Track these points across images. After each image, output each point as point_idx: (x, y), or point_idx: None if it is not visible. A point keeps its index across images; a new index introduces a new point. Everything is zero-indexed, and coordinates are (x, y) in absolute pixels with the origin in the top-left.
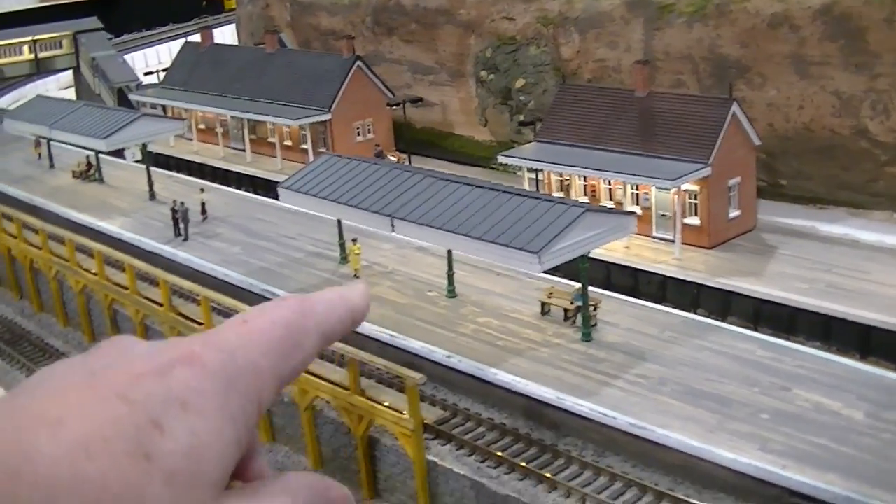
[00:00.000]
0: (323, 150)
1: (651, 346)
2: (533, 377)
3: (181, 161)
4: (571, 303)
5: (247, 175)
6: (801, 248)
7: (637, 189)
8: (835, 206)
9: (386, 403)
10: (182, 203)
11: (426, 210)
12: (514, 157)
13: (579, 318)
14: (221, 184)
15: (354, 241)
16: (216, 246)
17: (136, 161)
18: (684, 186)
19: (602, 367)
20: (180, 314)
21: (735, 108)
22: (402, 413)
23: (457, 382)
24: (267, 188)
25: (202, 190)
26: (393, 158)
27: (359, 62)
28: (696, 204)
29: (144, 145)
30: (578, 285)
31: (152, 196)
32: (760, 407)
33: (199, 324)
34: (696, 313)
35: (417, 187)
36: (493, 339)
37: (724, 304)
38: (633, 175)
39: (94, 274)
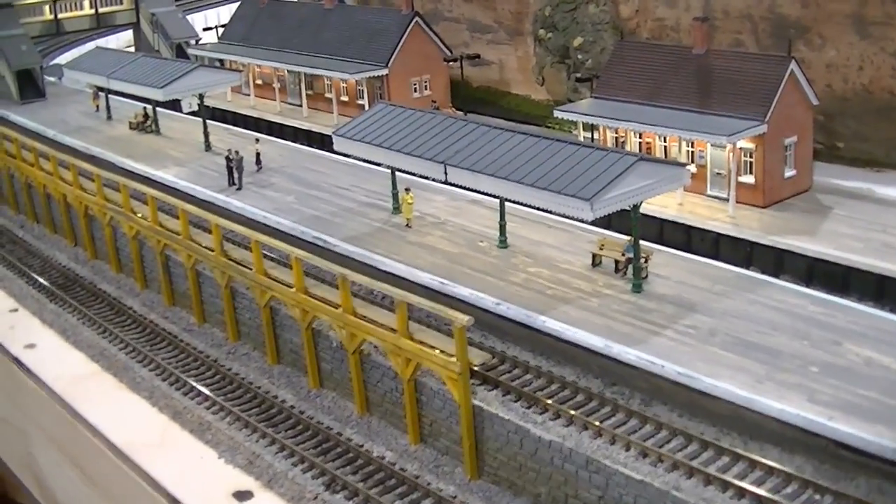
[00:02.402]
0: None
1: (702, 298)
2: (581, 325)
3: (237, 115)
4: (623, 254)
5: (302, 129)
6: (857, 210)
7: (692, 146)
8: (892, 169)
9: (433, 346)
10: (237, 152)
11: (479, 157)
12: (570, 111)
13: (630, 270)
14: (278, 138)
15: (407, 190)
16: (269, 195)
17: (192, 112)
18: (740, 144)
19: (651, 318)
20: (232, 259)
21: (793, 66)
22: (449, 356)
23: (505, 329)
24: (322, 142)
25: (257, 140)
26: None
27: (417, 18)
28: (751, 162)
29: (201, 96)
30: (630, 237)
31: (208, 147)
32: (810, 359)
33: (250, 268)
34: (748, 270)
35: (471, 136)
36: (542, 289)
37: (777, 262)
38: (688, 130)
39: (148, 220)
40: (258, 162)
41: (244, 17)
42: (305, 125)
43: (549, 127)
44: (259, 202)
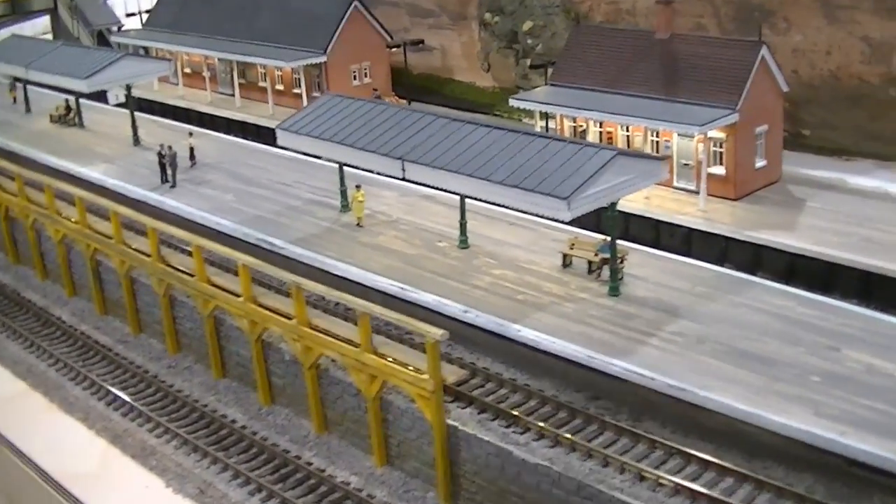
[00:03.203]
0: (317, 94)
1: (684, 301)
2: (559, 334)
3: (166, 106)
4: (596, 254)
5: (236, 121)
6: (832, 201)
7: (657, 136)
8: (861, 158)
9: (402, 363)
10: (170, 147)
11: (440, 153)
12: (526, 100)
13: (605, 272)
14: (209, 130)
15: (358, 187)
16: (207, 193)
17: (119, 104)
18: (710, 134)
19: (633, 324)
20: (170, 265)
21: (764, 51)
22: (420, 373)
23: (475, 339)
24: (258, 134)
25: (191, 134)
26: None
27: (356, 2)
28: (721, 152)
29: (128, 87)
30: (601, 237)
31: (137, 141)
32: (808, 368)
33: (191, 275)
34: (723, 267)
35: (429, 129)
36: (511, 293)
37: (753, 259)
38: (658, 120)
39: (76, 222)
40: (192, 157)
41: (171, 2)
42: (239, 116)
43: (497, 115)
44: (195, 201)
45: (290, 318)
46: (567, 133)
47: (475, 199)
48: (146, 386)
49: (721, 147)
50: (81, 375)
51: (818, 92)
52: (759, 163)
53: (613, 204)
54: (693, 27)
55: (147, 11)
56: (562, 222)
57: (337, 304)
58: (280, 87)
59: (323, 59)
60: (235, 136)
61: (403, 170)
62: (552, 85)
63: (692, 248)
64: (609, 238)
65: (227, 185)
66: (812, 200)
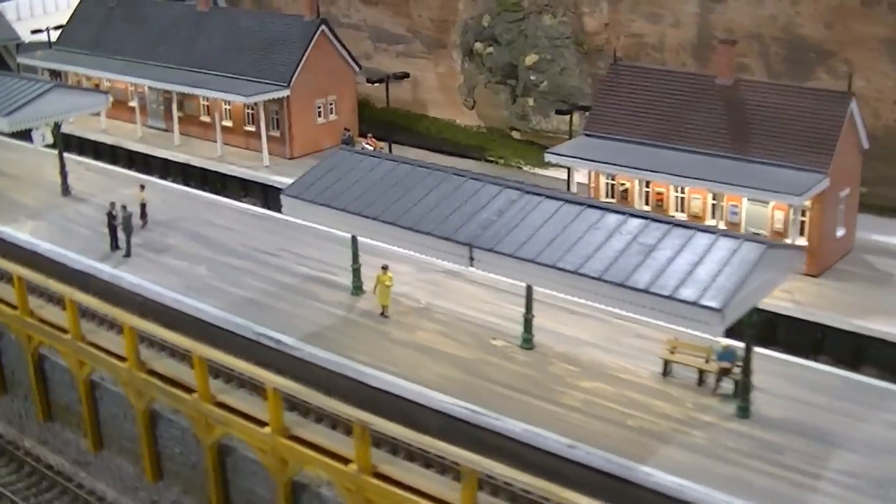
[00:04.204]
0: (275, 133)
1: (829, 422)
2: (706, 479)
3: (85, 142)
4: (707, 360)
5: (177, 162)
6: None
7: (722, 201)
8: None
9: None
10: (124, 207)
11: (522, 237)
12: (567, 155)
13: (723, 384)
14: (140, 172)
15: (385, 268)
16: (172, 264)
17: (47, 146)
18: (788, 200)
19: (788, 461)
20: (152, 372)
21: (853, 105)
22: None
23: (582, 482)
24: (204, 180)
25: (142, 187)
26: (368, 146)
27: (324, 26)
28: (803, 221)
29: (57, 125)
30: (725, 343)
31: (66, 191)
32: None
33: (191, 391)
34: (817, 360)
35: (495, 201)
36: (617, 417)
37: (855, 351)
38: (751, 188)
39: (14, 307)
40: (143, 215)
41: (88, 18)
42: (181, 157)
43: (489, 161)
44: (161, 276)
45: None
46: (602, 189)
47: (575, 298)
48: None
49: (804, 216)
50: None
51: (881, 145)
52: (840, 231)
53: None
54: (735, 68)
55: (58, 28)
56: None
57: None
58: (227, 122)
59: (286, 92)
60: (174, 180)
61: (472, 258)
62: (588, 135)
63: (778, 337)
64: (727, 344)
65: (195, 252)
66: None
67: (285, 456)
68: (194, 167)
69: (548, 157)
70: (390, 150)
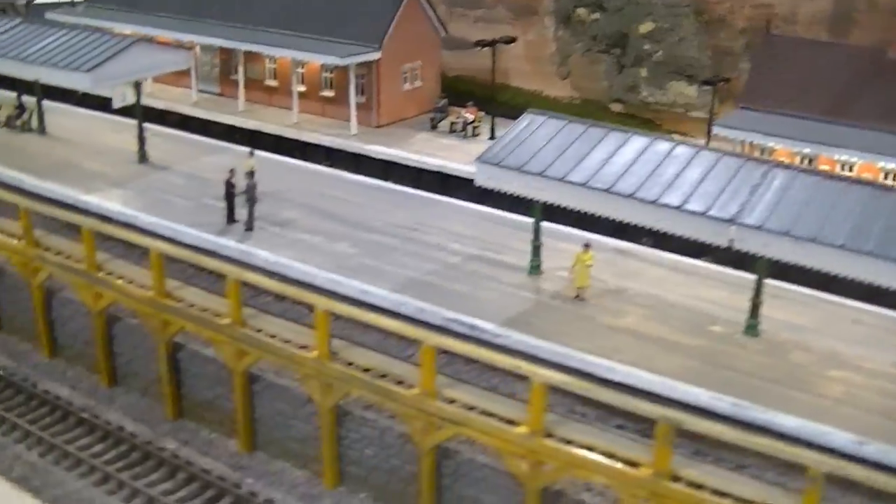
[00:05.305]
0: (360, 99)
1: None
2: None
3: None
4: None
5: (244, 129)
6: None
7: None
8: None
9: None
10: (251, 174)
11: (790, 216)
12: (739, 128)
13: None
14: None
15: (587, 247)
16: (305, 240)
17: (124, 107)
18: None
19: None
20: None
21: None
22: None
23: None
24: (277, 149)
25: (251, 153)
26: (468, 115)
27: None
28: None
29: (138, 84)
30: None
31: (143, 158)
32: None
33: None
34: None
35: (718, 172)
36: (885, 409)
37: None
38: None
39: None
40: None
41: None
42: (251, 124)
43: None
44: (301, 253)
45: None
46: None
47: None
48: None
49: None
50: None
51: None
52: None
53: None
54: (876, 44)
55: None
56: None
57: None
58: (301, 88)
59: (377, 55)
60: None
61: (732, 237)
62: (745, 109)
63: None
64: None
65: (324, 227)
66: None
67: (543, 459)
68: (267, 135)
69: (717, 130)
70: (493, 123)
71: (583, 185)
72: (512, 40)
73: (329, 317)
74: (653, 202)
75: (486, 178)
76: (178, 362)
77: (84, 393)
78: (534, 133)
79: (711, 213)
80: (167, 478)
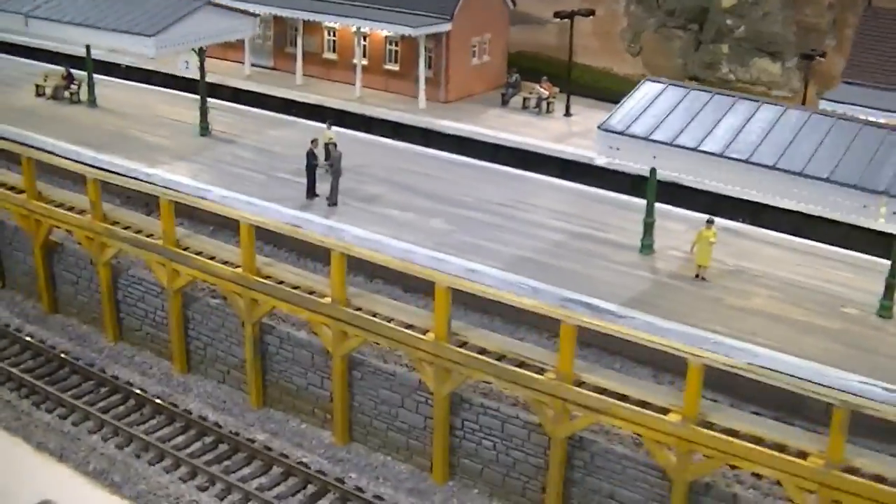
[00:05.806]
0: (428, 73)
1: None
2: None
3: (178, 80)
4: None
5: (305, 104)
6: None
7: None
8: None
9: None
10: (334, 145)
11: None
12: (847, 102)
13: None
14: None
15: (711, 223)
16: (395, 216)
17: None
18: None
19: None
20: None
21: None
22: None
23: None
24: (340, 125)
25: (329, 125)
26: (543, 91)
27: None
28: None
29: (202, 51)
30: None
31: (206, 130)
32: None
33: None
34: None
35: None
36: None
37: None
38: None
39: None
40: (328, 157)
41: None
42: (312, 98)
43: None
44: (394, 230)
45: None
46: None
47: None
48: None
49: None
50: None
51: None
52: None
53: None
54: None
55: None
56: None
57: None
58: (364, 62)
59: (447, 26)
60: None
61: (885, 212)
62: (848, 83)
63: None
64: None
65: (414, 203)
66: None
67: (699, 449)
68: (329, 109)
69: (823, 105)
70: (568, 100)
71: (720, 154)
72: (591, 12)
73: (450, 295)
74: (799, 173)
75: (608, 148)
76: (265, 346)
77: (156, 380)
78: (654, 102)
79: (863, 184)
80: (261, 472)
